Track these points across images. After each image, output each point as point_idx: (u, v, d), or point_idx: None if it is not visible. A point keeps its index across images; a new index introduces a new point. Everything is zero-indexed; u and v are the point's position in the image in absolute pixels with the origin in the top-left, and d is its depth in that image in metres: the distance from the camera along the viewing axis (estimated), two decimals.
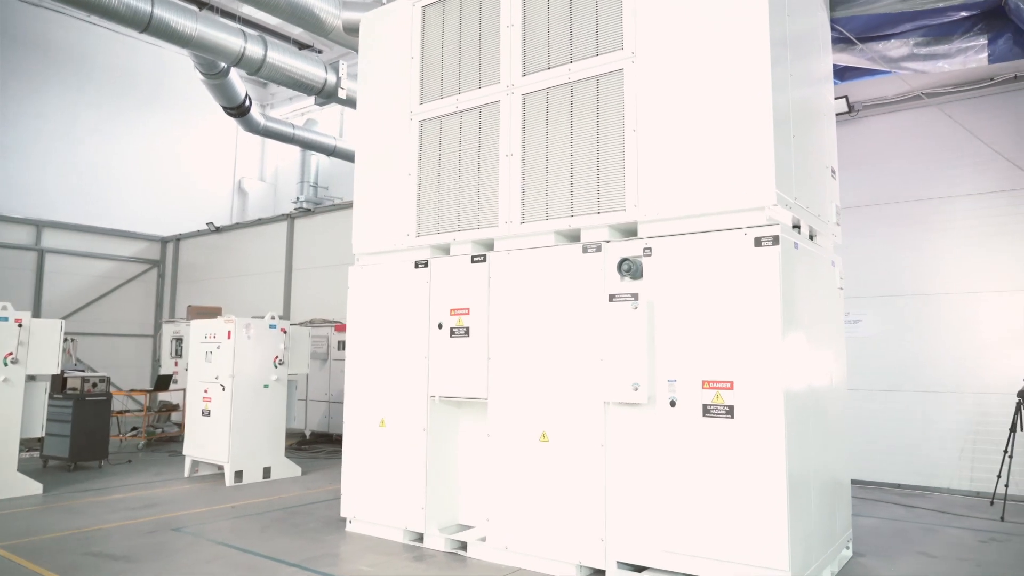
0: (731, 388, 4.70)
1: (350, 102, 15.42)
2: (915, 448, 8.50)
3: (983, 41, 5.83)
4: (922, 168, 8.65)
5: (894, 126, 8.83)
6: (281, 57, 13.82)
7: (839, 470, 5.68)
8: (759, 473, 4.54)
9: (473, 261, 6.01)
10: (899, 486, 8.53)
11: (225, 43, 12.79)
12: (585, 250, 5.40)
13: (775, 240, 4.64)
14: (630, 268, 5.14)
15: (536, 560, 5.41)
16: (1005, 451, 7.32)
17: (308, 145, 18.76)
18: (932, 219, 8.55)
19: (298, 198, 22.86)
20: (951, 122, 8.37)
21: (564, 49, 5.72)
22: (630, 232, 5.38)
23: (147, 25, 11.64)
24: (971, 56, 5.88)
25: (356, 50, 12.85)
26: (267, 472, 9.11)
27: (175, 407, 12.92)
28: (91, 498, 8.02)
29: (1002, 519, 6.96)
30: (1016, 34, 5.63)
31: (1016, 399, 7.28)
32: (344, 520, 6.77)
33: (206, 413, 9.05)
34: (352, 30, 11.39)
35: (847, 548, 5.76)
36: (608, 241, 5.34)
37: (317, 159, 23.27)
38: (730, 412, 4.69)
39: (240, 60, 13.20)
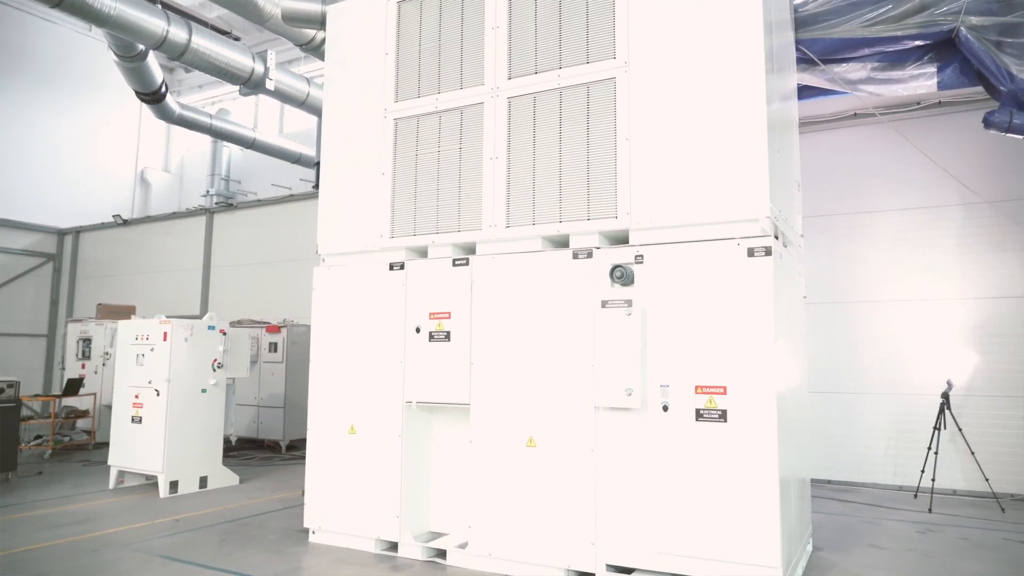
0: (724, 393, 4.86)
1: (278, 94, 14.86)
2: (843, 446, 9.04)
3: (933, 69, 6.30)
4: (853, 184, 9.23)
5: (830, 143, 9.38)
6: (207, 43, 13.12)
7: (805, 469, 5.98)
8: (752, 475, 4.71)
9: (455, 264, 5.91)
10: (829, 482, 9.05)
11: (147, 24, 12.02)
12: (576, 256, 5.43)
13: (768, 251, 4.83)
14: (622, 275, 5.21)
15: (521, 566, 5.38)
16: (929, 448, 7.91)
17: (225, 136, 17.82)
18: (863, 232, 9.13)
19: (208, 192, 21.76)
20: (881, 142, 8.99)
21: (553, 55, 5.72)
22: (619, 239, 5.45)
23: (60, 0, 10.76)
24: (922, 82, 6.35)
25: (293, 40, 12.40)
26: (204, 482, 8.62)
27: (83, 413, 12.00)
28: (9, 515, 7.32)
29: (930, 511, 7.53)
30: (963, 64, 6.13)
31: (940, 400, 7.89)
32: (307, 531, 6.50)
33: (137, 420, 8.46)
34: (292, 19, 10.93)
35: (809, 543, 6.07)
36: (598, 248, 5.39)
37: (229, 151, 22.23)
38: (723, 416, 4.84)
39: (163, 43, 12.43)
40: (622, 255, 5.29)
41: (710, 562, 4.81)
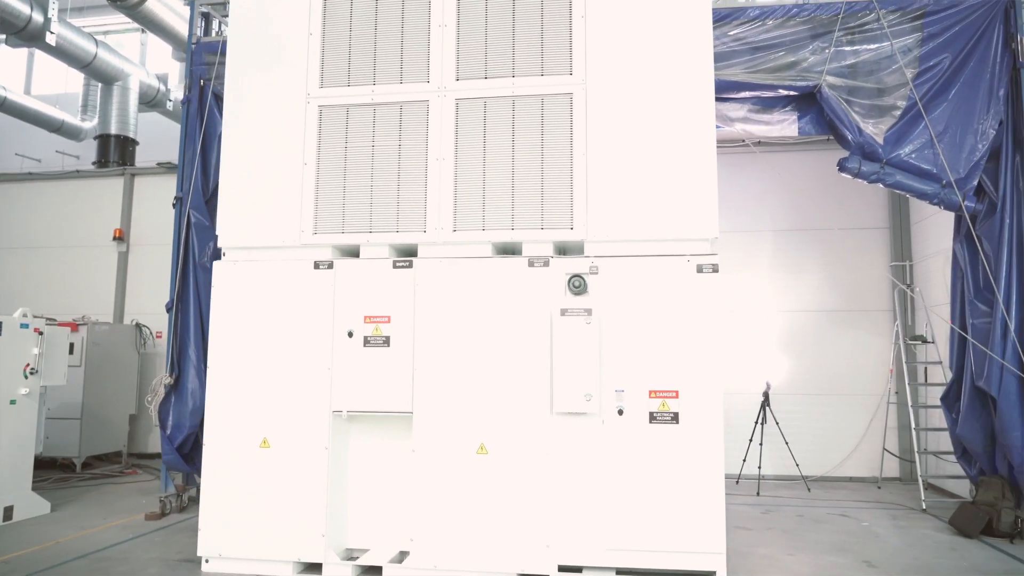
0: (676, 396, 5.28)
1: (58, 51, 12.71)
2: None
3: (794, 116, 7.40)
4: None
5: None
6: None
7: None
8: (701, 470, 5.20)
9: (396, 266, 5.65)
10: None
11: None
12: (531, 264, 5.51)
13: (715, 268, 5.36)
14: (580, 284, 5.41)
15: (470, 575, 5.32)
16: (751, 440, 9.20)
17: None
18: None
19: None
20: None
21: (506, 62, 5.74)
22: (571, 249, 5.64)
23: None
24: (785, 126, 7.43)
25: None
26: (8, 513, 7.10)
27: None
28: None
29: (758, 494, 8.75)
30: (817, 115, 7.28)
31: (761, 398, 9.20)
32: (193, 560, 5.74)
33: None
34: None
35: None
36: (552, 256, 5.53)
37: None
38: (675, 418, 5.26)
39: None
40: (577, 265, 5.48)
41: (659, 553, 5.20)
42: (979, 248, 6.94)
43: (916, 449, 8.38)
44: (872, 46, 7.09)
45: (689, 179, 5.45)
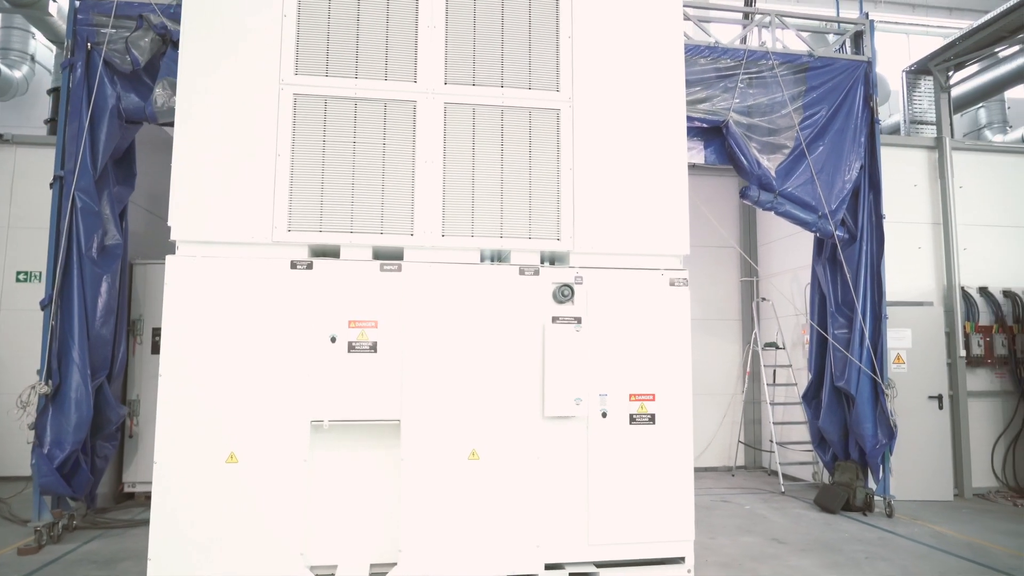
0: (653, 399, 5.73)
1: None
2: None
3: (701, 146, 8.24)
4: None
5: None
6: None
7: None
8: (674, 466, 5.70)
9: (384, 269, 5.46)
10: None
11: None
12: (522, 272, 5.63)
13: (685, 282, 5.89)
14: (568, 294, 5.65)
15: None
16: None
17: None
18: None
19: None
20: None
21: (494, 71, 5.80)
22: (556, 259, 5.86)
23: None
24: (695, 154, 8.22)
25: None
26: None
27: None
28: None
29: None
30: (719, 146, 8.18)
31: None
32: None
33: None
34: None
35: None
36: (543, 265, 5.71)
37: None
38: (652, 419, 5.71)
39: None
40: (564, 275, 5.72)
41: (635, 545, 5.60)
42: (840, 270, 8.27)
43: (774, 440, 9.70)
44: (767, 91, 8.15)
45: (664, 199, 5.92)
